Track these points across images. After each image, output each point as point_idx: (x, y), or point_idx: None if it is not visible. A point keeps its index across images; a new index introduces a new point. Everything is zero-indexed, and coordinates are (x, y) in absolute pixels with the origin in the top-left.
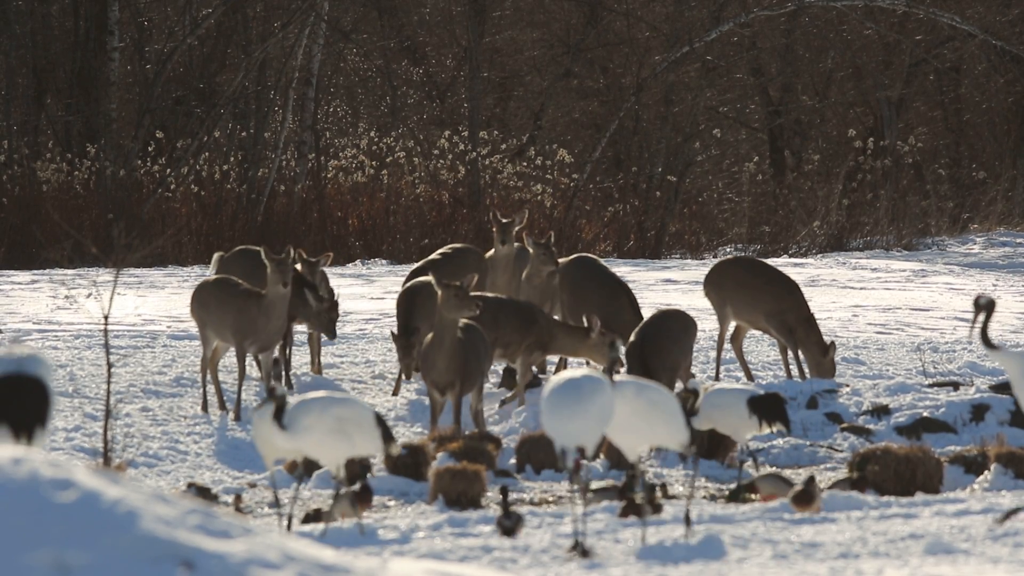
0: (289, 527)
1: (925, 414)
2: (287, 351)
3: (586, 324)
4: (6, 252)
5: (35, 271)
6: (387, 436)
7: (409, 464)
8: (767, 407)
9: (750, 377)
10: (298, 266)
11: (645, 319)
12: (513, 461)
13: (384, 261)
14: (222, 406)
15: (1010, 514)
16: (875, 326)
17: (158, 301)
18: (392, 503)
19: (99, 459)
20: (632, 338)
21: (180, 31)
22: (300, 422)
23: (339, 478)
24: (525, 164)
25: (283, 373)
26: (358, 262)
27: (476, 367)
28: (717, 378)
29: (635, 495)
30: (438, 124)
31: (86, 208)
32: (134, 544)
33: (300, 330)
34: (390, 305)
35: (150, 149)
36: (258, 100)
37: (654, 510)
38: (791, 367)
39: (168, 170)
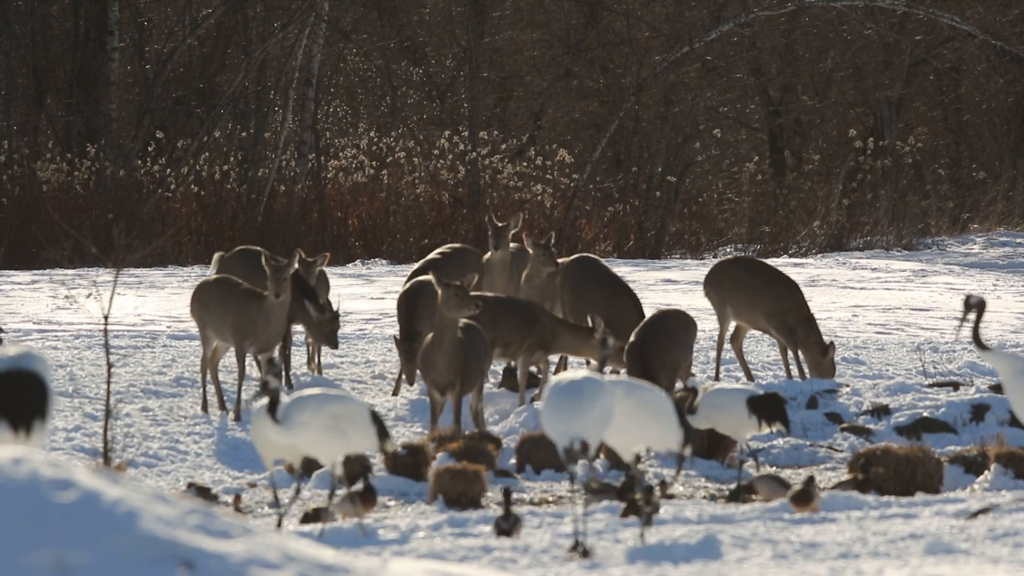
0: (279, 525)
1: (925, 414)
2: (287, 351)
3: (591, 324)
4: (6, 252)
5: (35, 271)
6: (383, 433)
7: (409, 464)
8: (766, 407)
9: (750, 377)
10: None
11: (645, 319)
12: (513, 461)
13: (384, 261)
14: (222, 406)
15: (978, 513)
16: (875, 326)
17: (158, 301)
18: (392, 503)
19: (99, 459)
20: (632, 338)
21: (180, 31)
22: (295, 418)
23: (338, 476)
24: (525, 164)
25: (283, 373)
26: (358, 262)
27: (476, 367)
28: (717, 378)
29: (634, 496)
30: (438, 124)
31: (86, 208)
32: (134, 544)
33: (299, 330)
34: (390, 305)
35: (150, 149)
36: (258, 100)
37: (652, 510)
38: (791, 367)
39: (168, 170)
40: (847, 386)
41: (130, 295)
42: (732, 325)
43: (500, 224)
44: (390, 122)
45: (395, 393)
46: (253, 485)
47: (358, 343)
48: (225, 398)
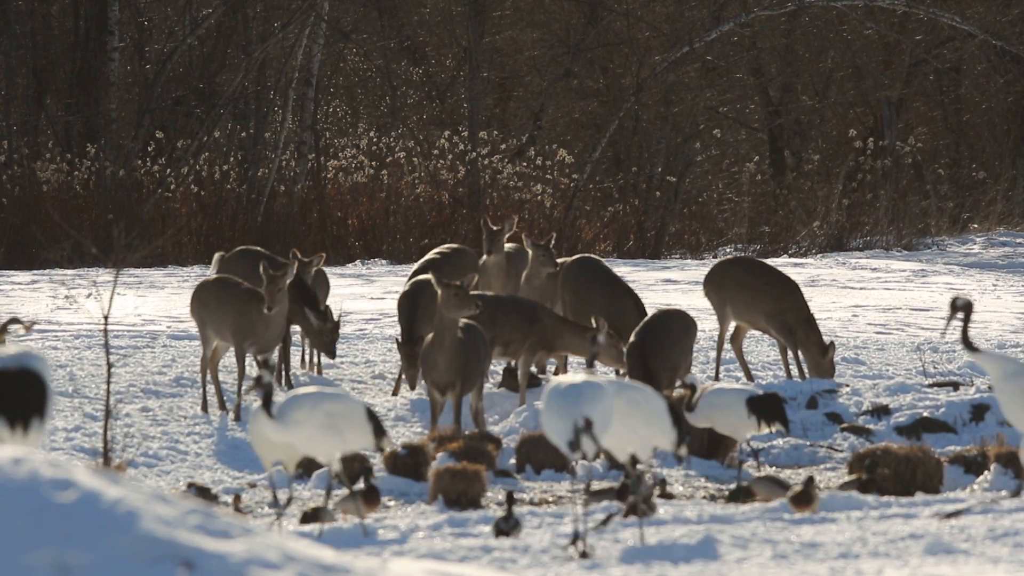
0: (272, 527)
1: (925, 414)
2: (287, 351)
3: (594, 325)
4: (6, 252)
5: (35, 271)
6: (379, 431)
7: (409, 464)
8: (766, 407)
9: (750, 377)
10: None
11: (645, 319)
12: (513, 461)
13: (384, 261)
14: (222, 406)
15: (955, 514)
16: (875, 326)
17: (158, 301)
18: (392, 503)
19: (99, 459)
20: (632, 338)
21: (180, 31)
22: (291, 416)
23: (338, 475)
24: (525, 164)
25: (282, 373)
26: (358, 262)
27: (476, 367)
28: (717, 378)
29: (632, 496)
30: (438, 124)
31: (86, 208)
32: (134, 544)
33: (297, 329)
34: (390, 305)
35: (150, 149)
36: (258, 100)
37: (650, 510)
38: (791, 367)
39: (168, 170)
40: (847, 386)
41: (130, 295)
42: (732, 325)
43: (494, 228)
44: (390, 122)
45: (395, 393)
46: (253, 485)
47: (358, 343)
48: (225, 398)
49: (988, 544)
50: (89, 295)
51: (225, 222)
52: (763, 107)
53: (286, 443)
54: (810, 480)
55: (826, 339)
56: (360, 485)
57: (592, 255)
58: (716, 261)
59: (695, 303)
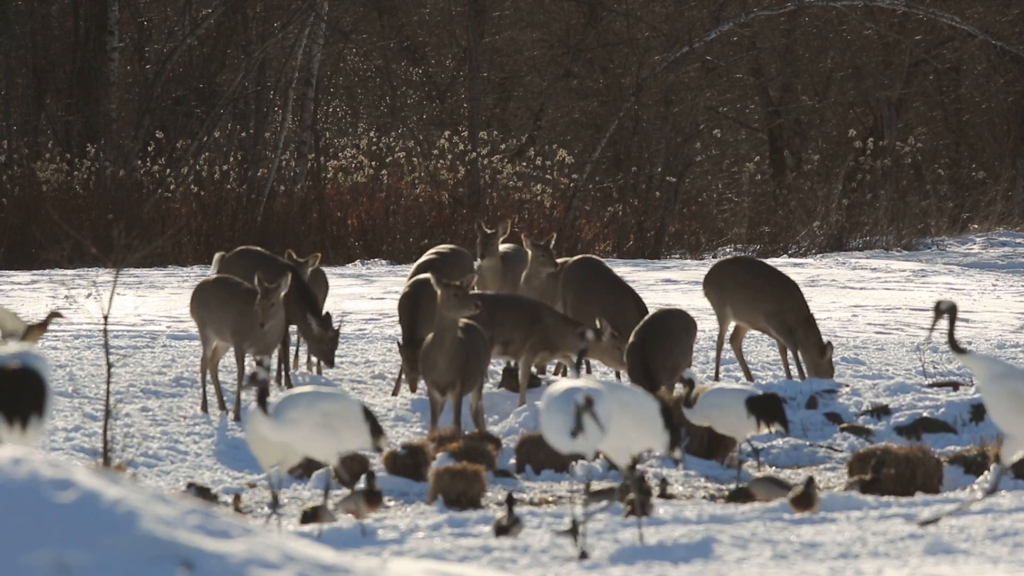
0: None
1: (925, 414)
2: (287, 351)
3: (598, 326)
4: (6, 252)
5: (35, 271)
6: (376, 430)
7: (409, 464)
8: (765, 407)
9: (749, 377)
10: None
11: (645, 319)
12: (513, 461)
13: (384, 261)
14: (222, 406)
15: (931, 521)
16: (875, 326)
17: (158, 301)
18: (392, 503)
19: (99, 459)
20: (632, 338)
21: (180, 31)
22: (287, 415)
23: (338, 473)
24: (525, 164)
25: (283, 373)
26: (358, 262)
27: (476, 367)
28: (717, 378)
29: (631, 497)
30: (438, 124)
31: (86, 208)
32: (134, 544)
33: (295, 329)
34: (390, 305)
35: (150, 149)
36: (258, 100)
37: (647, 510)
38: (791, 367)
39: (168, 170)
40: (847, 386)
41: (130, 295)
42: (732, 325)
43: (489, 231)
44: (390, 122)
45: (395, 393)
46: (253, 485)
47: (358, 343)
48: (225, 398)
49: (988, 544)
50: (89, 295)
51: (225, 222)
52: (763, 107)
53: (283, 443)
54: (810, 480)
55: (825, 339)
56: (361, 485)
57: (593, 255)
58: (716, 261)
59: (695, 303)
